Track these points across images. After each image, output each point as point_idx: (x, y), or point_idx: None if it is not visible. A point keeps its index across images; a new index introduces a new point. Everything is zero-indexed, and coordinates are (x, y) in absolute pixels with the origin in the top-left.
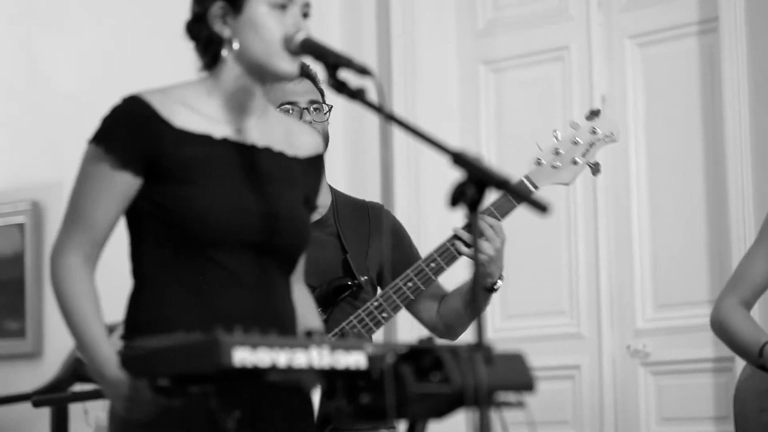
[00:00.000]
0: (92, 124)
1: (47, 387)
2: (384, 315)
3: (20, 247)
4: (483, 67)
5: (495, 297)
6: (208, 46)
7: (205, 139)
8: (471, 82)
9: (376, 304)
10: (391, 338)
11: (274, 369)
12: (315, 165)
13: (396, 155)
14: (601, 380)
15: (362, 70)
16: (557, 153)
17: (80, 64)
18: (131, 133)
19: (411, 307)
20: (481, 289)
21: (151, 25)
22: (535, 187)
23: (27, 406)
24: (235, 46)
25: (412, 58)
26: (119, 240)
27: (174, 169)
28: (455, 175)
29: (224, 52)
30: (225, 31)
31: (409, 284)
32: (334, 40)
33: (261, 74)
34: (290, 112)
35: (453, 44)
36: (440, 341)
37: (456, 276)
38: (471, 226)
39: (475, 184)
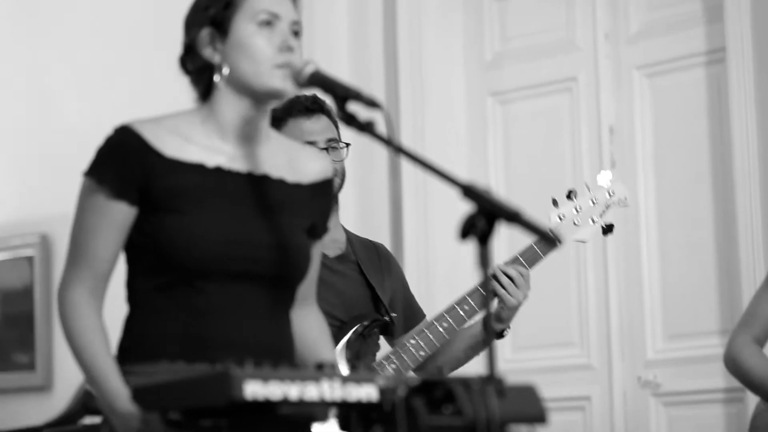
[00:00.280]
0: None
1: (57, 420)
2: (422, 353)
3: (29, 280)
4: (491, 99)
5: None
6: (201, 75)
7: (197, 168)
8: (479, 114)
9: (413, 342)
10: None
11: (285, 402)
12: (322, 190)
13: (405, 187)
14: (612, 411)
15: (371, 103)
16: (578, 210)
17: (89, 97)
18: (122, 163)
19: None
20: (492, 331)
21: (162, 60)
22: (559, 242)
23: None
24: (225, 71)
25: (420, 90)
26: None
27: (163, 199)
28: (464, 207)
29: (216, 78)
30: (215, 57)
31: (444, 325)
32: (342, 72)
33: (254, 94)
34: None
35: (461, 76)
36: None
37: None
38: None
39: (486, 216)
